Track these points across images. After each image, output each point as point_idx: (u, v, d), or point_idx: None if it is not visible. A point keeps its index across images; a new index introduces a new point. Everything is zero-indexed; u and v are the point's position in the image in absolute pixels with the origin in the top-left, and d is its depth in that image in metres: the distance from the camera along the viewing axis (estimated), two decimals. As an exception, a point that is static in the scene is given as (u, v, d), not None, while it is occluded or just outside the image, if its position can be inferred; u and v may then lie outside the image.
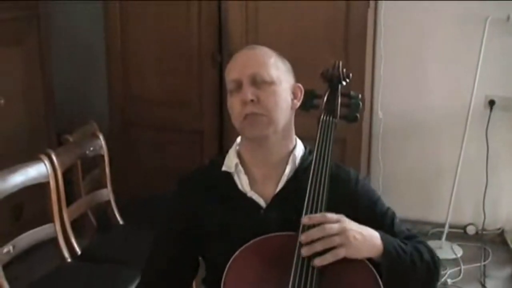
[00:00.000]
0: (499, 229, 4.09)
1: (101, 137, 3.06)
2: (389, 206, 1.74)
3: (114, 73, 4.24)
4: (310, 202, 1.55)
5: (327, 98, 1.74)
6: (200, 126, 4.08)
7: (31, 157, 2.61)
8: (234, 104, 1.64)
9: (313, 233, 1.48)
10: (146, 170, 4.16)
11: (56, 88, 4.19)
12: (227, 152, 1.78)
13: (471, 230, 4.10)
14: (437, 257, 1.66)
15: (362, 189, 1.72)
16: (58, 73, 4.33)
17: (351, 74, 1.77)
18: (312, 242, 1.48)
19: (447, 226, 3.94)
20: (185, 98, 4.10)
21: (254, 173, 1.69)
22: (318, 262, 1.47)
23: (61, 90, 4.37)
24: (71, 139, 3.05)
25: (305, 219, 1.51)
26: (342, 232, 1.49)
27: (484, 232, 4.03)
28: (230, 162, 1.71)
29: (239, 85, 1.63)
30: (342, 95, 1.76)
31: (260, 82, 1.63)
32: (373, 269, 1.50)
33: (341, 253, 1.47)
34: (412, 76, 4.08)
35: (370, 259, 1.52)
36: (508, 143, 3.97)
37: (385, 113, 4.09)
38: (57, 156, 2.69)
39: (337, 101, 1.73)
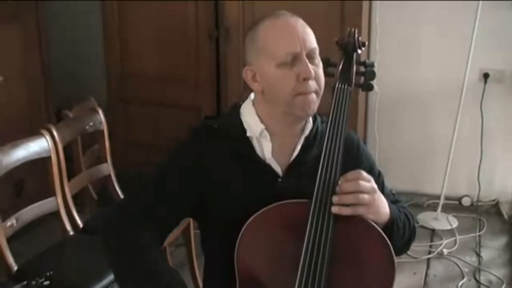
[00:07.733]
0: (493, 200, 4.14)
1: (100, 112, 3.04)
2: (379, 170, 1.77)
3: (111, 50, 4.25)
4: (324, 170, 1.52)
5: (342, 66, 1.67)
6: (196, 101, 4.10)
7: (31, 134, 2.61)
8: (287, 79, 1.54)
9: (348, 187, 1.49)
10: (143, 145, 4.18)
11: (54, 65, 4.19)
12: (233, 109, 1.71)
13: (466, 201, 4.16)
14: (415, 221, 1.75)
15: (363, 152, 1.75)
16: (56, 50, 4.33)
17: (366, 42, 1.71)
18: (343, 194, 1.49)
19: (442, 197, 3.99)
20: (182, 74, 4.12)
21: (274, 141, 1.63)
22: (337, 210, 1.47)
23: (59, 67, 4.37)
24: (70, 114, 3.07)
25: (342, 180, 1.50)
26: (372, 192, 1.51)
27: (479, 203, 4.09)
28: (255, 127, 1.63)
29: (295, 59, 1.54)
30: (357, 63, 1.69)
31: (313, 57, 1.57)
32: (383, 233, 1.51)
33: (361, 210, 1.49)
34: (407, 50, 4.10)
35: None
36: (502, 115, 4.01)
37: (381, 87, 4.08)
38: (58, 131, 2.69)
39: (352, 69, 1.67)
